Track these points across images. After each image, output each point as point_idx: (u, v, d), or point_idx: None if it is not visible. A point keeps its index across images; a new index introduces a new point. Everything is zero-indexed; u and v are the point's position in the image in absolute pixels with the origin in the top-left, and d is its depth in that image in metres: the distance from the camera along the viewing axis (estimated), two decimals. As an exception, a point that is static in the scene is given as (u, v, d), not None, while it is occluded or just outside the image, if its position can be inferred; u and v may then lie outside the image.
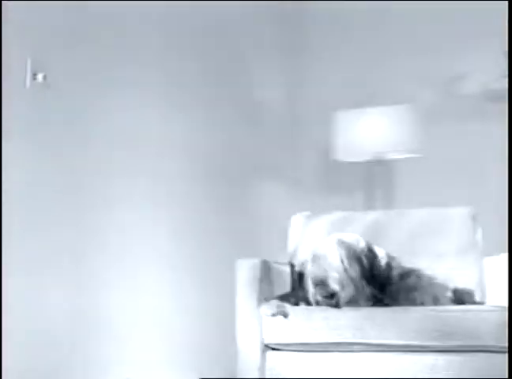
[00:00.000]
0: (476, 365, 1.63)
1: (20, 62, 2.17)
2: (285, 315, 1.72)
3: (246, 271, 1.88)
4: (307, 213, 2.34)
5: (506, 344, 1.55)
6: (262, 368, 1.81)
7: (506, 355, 1.58)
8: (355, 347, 1.71)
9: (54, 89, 2.31)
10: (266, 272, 1.90)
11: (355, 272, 1.78)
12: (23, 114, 2.19)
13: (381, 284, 1.83)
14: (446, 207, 2.25)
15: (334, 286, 1.72)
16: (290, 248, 2.29)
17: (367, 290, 1.80)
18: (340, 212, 2.34)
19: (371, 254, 1.84)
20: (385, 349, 1.72)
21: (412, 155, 3.26)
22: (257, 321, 1.80)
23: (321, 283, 1.75)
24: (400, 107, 3.31)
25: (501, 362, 1.59)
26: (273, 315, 1.73)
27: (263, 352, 1.82)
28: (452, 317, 1.62)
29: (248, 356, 1.82)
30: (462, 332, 1.61)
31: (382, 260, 1.85)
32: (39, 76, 2.20)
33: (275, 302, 1.76)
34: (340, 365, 1.75)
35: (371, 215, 2.30)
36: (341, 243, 1.79)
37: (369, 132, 3.15)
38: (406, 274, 1.85)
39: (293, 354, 1.80)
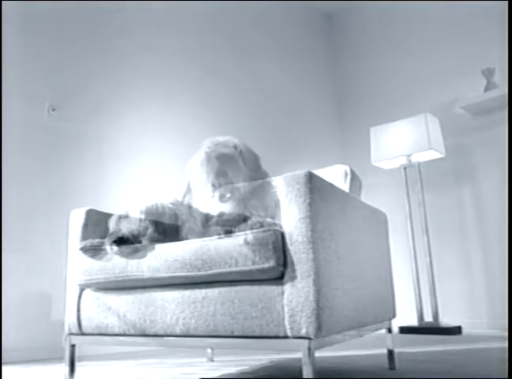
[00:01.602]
0: (243, 294, 1.53)
1: (41, 101, 2.98)
2: (93, 252, 1.79)
3: (74, 219, 1.99)
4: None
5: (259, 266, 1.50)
6: (78, 306, 1.88)
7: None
8: (129, 284, 1.76)
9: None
10: (92, 220, 1.98)
11: (149, 223, 1.83)
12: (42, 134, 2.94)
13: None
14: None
15: (125, 233, 1.77)
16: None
17: (161, 237, 1.83)
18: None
19: (169, 211, 1.89)
20: (157, 283, 1.69)
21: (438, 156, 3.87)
22: (76, 262, 1.88)
23: (113, 232, 1.82)
24: (422, 116, 3.81)
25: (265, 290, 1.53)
26: (81, 249, 1.81)
27: (81, 291, 1.90)
28: (217, 245, 1.57)
29: (62, 295, 1.89)
30: (221, 260, 1.54)
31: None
32: (55, 110, 2.82)
33: (89, 241, 1.84)
34: (122, 304, 1.76)
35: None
36: (144, 205, 1.87)
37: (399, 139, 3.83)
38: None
39: (93, 293, 1.90)
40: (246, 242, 1.52)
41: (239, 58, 4.25)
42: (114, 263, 1.77)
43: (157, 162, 3.46)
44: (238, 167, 1.83)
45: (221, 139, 1.92)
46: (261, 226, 1.57)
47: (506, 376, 1.67)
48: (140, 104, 3.46)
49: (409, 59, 4.70)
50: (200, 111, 3.81)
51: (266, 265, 1.49)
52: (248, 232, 1.53)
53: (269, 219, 1.63)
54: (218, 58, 4.07)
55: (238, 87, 4.16)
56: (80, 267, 1.84)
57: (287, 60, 4.74)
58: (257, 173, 1.91)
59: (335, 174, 2.23)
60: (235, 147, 1.89)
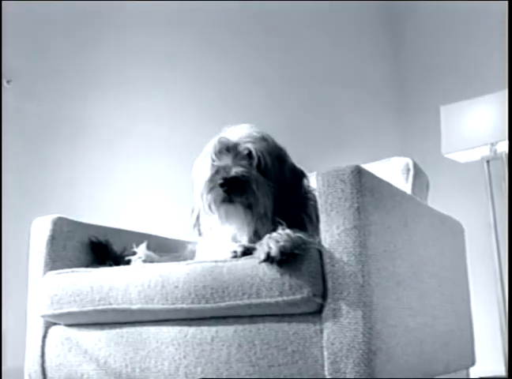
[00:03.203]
0: (267, 334, 1.57)
1: None
2: None
3: (37, 230, 2.01)
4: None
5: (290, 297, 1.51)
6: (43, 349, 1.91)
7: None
8: (112, 317, 1.78)
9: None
10: (62, 231, 2.00)
11: None
12: None
13: None
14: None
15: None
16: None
17: None
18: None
19: None
20: (150, 318, 1.71)
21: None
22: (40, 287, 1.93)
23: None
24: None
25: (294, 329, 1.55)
26: None
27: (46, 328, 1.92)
28: (233, 268, 1.59)
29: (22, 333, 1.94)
30: (238, 288, 1.55)
31: None
32: (10, 83, 2.97)
33: None
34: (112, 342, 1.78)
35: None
36: None
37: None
38: None
39: (63, 330, 1.93)
40: (269, 257, 1.51)
41: (267, 23, 4.23)
42: (94, 287, 1.78)
43: (151, 155, 3.45)
44: (257, 193, 1.76)
45: (232, 139, 1.86)
46: (291, 240, 1.56)
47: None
48: (128, 78, 3.45)
49: (490, 20, 4.64)
50: (213, 85, 3.79)
51: (298, 296, 1.49)
52: (271, 244, 1.53)
53: (301, 234, 1.62)
54: (244, 21, 4.06)
55: (265, 60, 4.14)
56: (45, 293, 1.85)
57: (333, 29, 4.72)
58: (283, 181, 1.85)
59: (393, 170, 2.22)
60: (251, 155, 1.81)
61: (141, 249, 1.99)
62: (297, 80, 4.31)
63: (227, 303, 1.56)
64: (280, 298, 1.50)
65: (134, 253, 1.98)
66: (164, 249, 2.13)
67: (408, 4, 5.25)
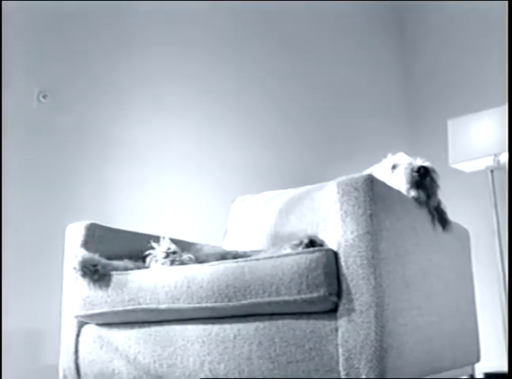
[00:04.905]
0: (286, 331, 1.58)
1: (28, 85, 2.97)
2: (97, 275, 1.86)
3: (71, 235, 2.04)
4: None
5: (308, 296, 1.53)
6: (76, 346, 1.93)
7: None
8: (141, 316, 1.80)
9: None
10: (94, 236, 2.03)
11: None
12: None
13: None
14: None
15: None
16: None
17: None
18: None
19: None
20: (177, 317, 1.73)
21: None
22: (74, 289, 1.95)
23: None
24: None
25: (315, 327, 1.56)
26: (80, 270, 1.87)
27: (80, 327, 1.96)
28: (254, 268, 1.60)
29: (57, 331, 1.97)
30: (259, 287, 1.57)
31: None
32: (46, 97, 3.00)
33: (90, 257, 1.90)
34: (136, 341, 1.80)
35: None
36: None
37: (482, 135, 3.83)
38: None
39: (95, 329, 1.95)
40: None
41: (281, 39, 4.24)
42: (124, 289, 1.80)
43: (178, 166, 3.46)
44: None
45: None
46: (311, 244, 1.59)
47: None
48: (159, 93, 3.46)
49: (496, 37, 4.62)
50: (235, 102, 3.80)
51: (315, 295, 1.50)
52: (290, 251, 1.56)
53: (319, 236, 1.64)
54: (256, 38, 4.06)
55: (282, 74, 4.15)
56: (78, 295, 1.88)
57: (343, 46, 4.72)
58: None
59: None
60: None
61: (166, 243, 1.97)
62: (307, 94, 4.31)
63: (249, 301, 1.57)
64: (298, 296, 1.52)
65: (152, 248, 1.96)
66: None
67: (416, 20, 5.25)
